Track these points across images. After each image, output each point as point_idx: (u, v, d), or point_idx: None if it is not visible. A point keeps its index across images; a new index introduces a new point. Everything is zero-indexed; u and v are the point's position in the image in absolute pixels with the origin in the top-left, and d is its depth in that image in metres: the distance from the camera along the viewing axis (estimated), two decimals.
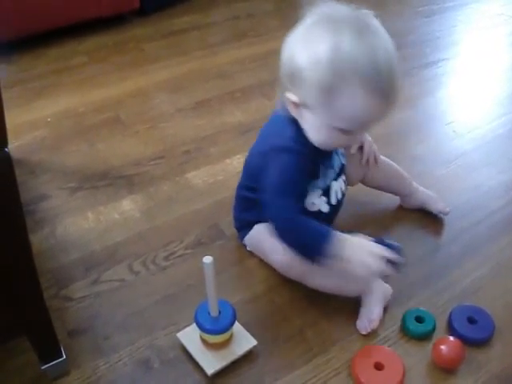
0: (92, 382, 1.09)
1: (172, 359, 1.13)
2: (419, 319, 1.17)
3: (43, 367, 1.06)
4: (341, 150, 1.26)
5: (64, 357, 1.08)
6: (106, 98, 2.02)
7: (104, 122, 1.88)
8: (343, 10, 1.01)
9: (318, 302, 1.22)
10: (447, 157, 1.69)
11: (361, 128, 1.07)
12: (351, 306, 1.21)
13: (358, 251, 1.05)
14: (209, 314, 1.08)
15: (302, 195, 1.16)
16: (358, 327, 1.17)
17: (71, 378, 1.10)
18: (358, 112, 1.00)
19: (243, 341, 1.12)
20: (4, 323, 0.99)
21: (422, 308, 1.20)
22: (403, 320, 1.17)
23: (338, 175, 1.24)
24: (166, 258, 1.35)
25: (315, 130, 1.08)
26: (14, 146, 1.70)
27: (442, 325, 1.18)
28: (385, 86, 0.98)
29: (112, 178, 1.62)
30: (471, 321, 1.16)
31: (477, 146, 1.75)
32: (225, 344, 1.10)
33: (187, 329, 1.15)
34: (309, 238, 1.09)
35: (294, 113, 1.09)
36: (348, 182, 1.33)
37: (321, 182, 1.20)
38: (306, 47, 1.00)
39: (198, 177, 1.60)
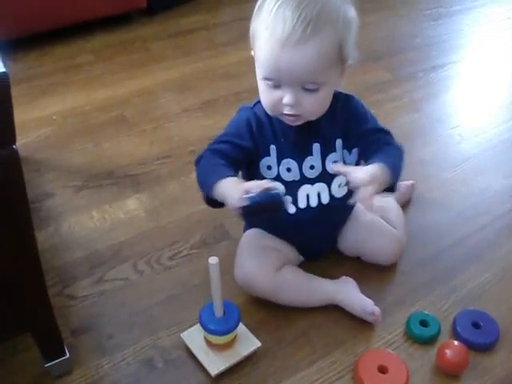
0: (95, 381, 1.09)
1: (175, 359, 1.13)
2: (424, 323, 1.17)
3: (46, 365, 1.07)
4: (334, 159, 1.17)
5: (67, 355, 1.08)
6: (112, 96, 2.02)
7: (110, 121, 1.88)
8: None
9: (316, 307, 1.22)
10: (453, 160, 1.69)
11: (279, 76, 1.03)
12: None
13: (229, 191, 1.01)
14: (213, 314, 1.07)
15: (228, 142, 1.13)
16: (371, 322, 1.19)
17: (74, 377, 1.10)
18: (265, 56, 1.02)
19: (247, 342, 1.12)
20: (8, 320, 0.99)
21: (426, 312, 1.20)
22: (407, 324, 1.17)
23: (317, 180, 1.17)
24: (171, 258, 1.35)
25: (259, 85, 1.10)
26: (19, 144, 1.67)
27: (446, 329, 1.18)
28: (284, 37, 0.98)
29: (117, 177, 1.62)
30: (476, 325, 1.16)
31: (483, 150, 1.74)
32: (229, 345, 1.10)
33: (191, 329, 1.15)
34: (202, 176, 1.11)
35: None
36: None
37: (271, 163, 1.15)
38: (256, 11, 1.05)
39: None
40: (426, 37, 2.48)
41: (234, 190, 0.99)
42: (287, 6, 0.98)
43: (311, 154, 1.16)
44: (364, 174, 1.02)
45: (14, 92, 0.74)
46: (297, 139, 1.15)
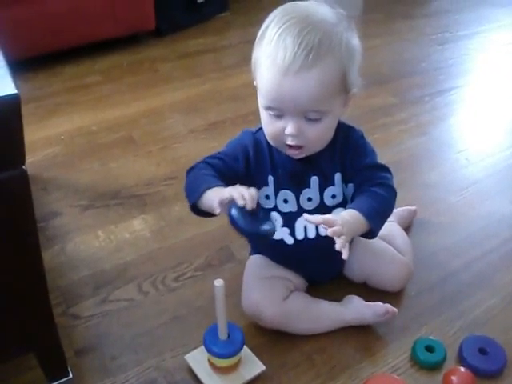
0: None
1: (179, 381, 1.12)
2: (429, 348, 1.15)
3: None
4: (333, 192, 1.15)
5: (71, 376, 1.08)
6: (120, 117, 2.04)
7: (117, 142, 1.89)
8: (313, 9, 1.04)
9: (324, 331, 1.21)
10: (460, 184, 1.68)
11: (281, 106, 1.01)
12: (361, 332, 1.20)
13: (213, 196, 1.00)
14: (218, 337, 1.07)
15: (222, 159, 1.13)
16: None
17: None
18: (267, 84, 1.01)
19: (251, 365, 1.11)
20: (12, 339, 0.99)
21: (432, 337, 1.19)
22: (413, 349, 1.16)
23: (314, 212, 1.10)
24: (176, 279, 1.35)
25: (261, 115, 1.09)
26: (27, 163, 1.70)
27: (452, 355, 1.16)
28: (286, 66, 0.97)
29: (123, 197, 1.63)
30: (482, 352, 1.15)
31: (489, 174, 1.74)
32: (233, 368, 1.09)
33: (195, 351, 1.14)
34: (192, 184, 1.09)
35: None
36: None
37: (269, 193, 1.15)
38: (258, 40, 1.05)
39: None
40: (433, 61, 2.50)
41: (216, 195, 0.98)
42: (288, 34, 0.97)
43: (309, 187, 1.14)
44: (336, 224, 0.98)
45: (23, 111, 0.75)
46: (295, 171, 1.13)
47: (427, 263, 1.39)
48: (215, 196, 0.98)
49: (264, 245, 1.24)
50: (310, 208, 1.15)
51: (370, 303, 1.20)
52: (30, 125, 1.91)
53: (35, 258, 0.87)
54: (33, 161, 1.75)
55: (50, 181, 1.70)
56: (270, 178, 1.14)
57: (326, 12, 1.03)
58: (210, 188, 1.02)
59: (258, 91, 1.07)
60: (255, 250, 1.29)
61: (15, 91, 0.70)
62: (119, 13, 2.44)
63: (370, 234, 1.07)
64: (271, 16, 1.03)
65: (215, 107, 2.10)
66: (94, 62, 2.44)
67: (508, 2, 3.16)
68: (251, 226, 0.95)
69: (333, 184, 1.15)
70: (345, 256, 0.98)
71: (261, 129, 1.12)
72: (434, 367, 1.14)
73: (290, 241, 1.18)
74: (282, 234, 1.18)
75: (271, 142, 1.10)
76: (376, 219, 1.06)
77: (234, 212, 0.95)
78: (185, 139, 1.91)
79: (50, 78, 2.31)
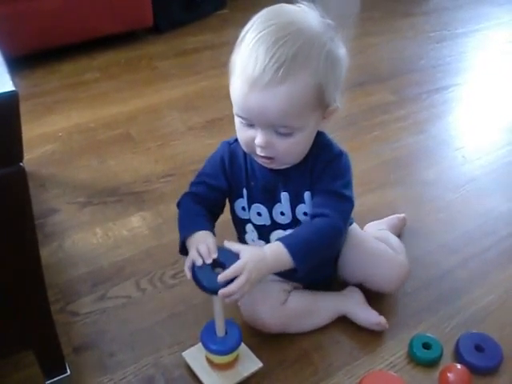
0: None
1: (177, 378, 1.12)
2: (426, 345, 1.16)
3: (47, 382, 1.06)
4: (304, 210, 1.11)
5: (68, 372, 1.08)
6: (118, 114, 2.04)
7: (115, 139, 1.89)
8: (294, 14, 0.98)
9: (324, 325, 1.22)
10: (457, 182, 1.69)
11: (249, 116, 0.97)
12: (358, 329, 1.20)
13: (190, 250, 1.03)
14: (215, 334, 1.07)
15: (204, 183, 1.14)
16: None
17: None
18: (236, 93, 0.97)
19: (249, 362, 1.12)
20: (10, 336, 0.99)
21: (429, 334, 1.19)
22: (410, 346, 1.16)
23: (288, 226, 1.13)
24: (174, 276, 1.35)
25: (235, 120, 1.04)
26: (24, 160, 1.70)
27: (449, 352, 1.17)
28: (254, 78, 0.92)
29: (121, 194, 1.63)
30: (479, 349, 1.15)
31: (486, 172, 1.74)
32: (230, 365, 1.10)
33: (193, 348, 1.14)
34: (179, 224, 1.11)
35: None
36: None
37: (244, 205, 1.14)
38: (238, 43, 1.00)
39: None
40: (431, 59, 2.50)
41: (190, 252, 1.02)
42: (263, 43, 0.91)
43: (280, 202, 1.11)
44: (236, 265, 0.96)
45: (21, 109, 0.75)
46: (265, 185, 1.10)
47: (424, 260, 1.39)
48: (187, 259, 1.02)
49: None
50: (284, 222, 1.13)
51: (367, 308, 1.21)
52: (27, 122, 1.91)
53: (33, 255, 0.87)
54: (31, 158, 1.75)
55: (48, 178, 1.70)
56: (244, 191, 1.12)
57: (311, 20, 0.97)
58: (187, 237, 1.06)
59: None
60: None
61: (13, 88, 0.70)
62: (117, 9, 2.43)
63: (297, 269, 1.01)
64: (254, 18, 0.98)
65: (213, 104, 2.09)
66: (91, 58, 2.44)
67: (506, 0, 3.17)
68: (211, 284, 0.97)
69: (303, 202, 1.10)
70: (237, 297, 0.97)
71: (237, 139, 1.08)
72: (430, 364, 1.14)
73: None
74: (258, 246, 1.15)
75: (244, 149, 1.06)
76: (303, 259, 1.00)
77: (194, 271, 1.00)
78: (183, 136, 1.91)
79: (48, 75, 2.31)
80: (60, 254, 1.42)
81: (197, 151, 1.81)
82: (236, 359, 1.10)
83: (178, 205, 1.16)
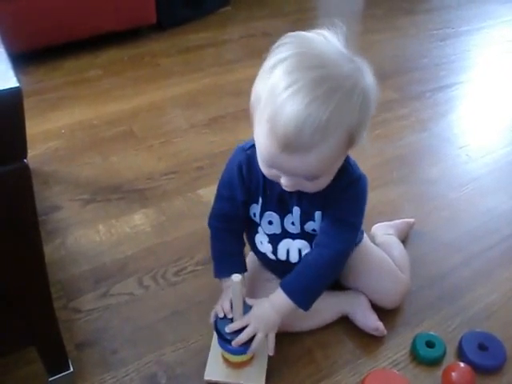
0: None
1: (179, 376, 1.12)
2: (429, 344, 1.16)
3: (50, 379, 1.06)
4: (313, 227, 1.10)
5: (71, 369, 1.08)
6: (121, 111, 2.03)
7: (118, 136, 1.89)
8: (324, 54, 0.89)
9: (327, 323, 1.22)
10: (460, 180, 1.69)
11: (272, 167, 0.94)
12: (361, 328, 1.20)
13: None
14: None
15: (227, 198, 1.13)
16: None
17: None
18: (263, 147, 0.92)
19: (254, 377, 1.10)
20: (13, 333, 0.99)
21: (432, 332, 1.19)
22: (413, 344, 1.16)
23: (298, 237, 1.12)
24: (176, 274, 1.35)
25: (257, 154, 0.99)
26: (28, 156, 1.70)
27: (452, 350, 1.17)
28: (285, 142, 0.86)
29: (124, 191, 1.63)
30: (482, 347, 1.15)
31: (490, 171, 1.74)
32: (239, 365, 1.10)
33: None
34: (213, 257, 1.19)
35: None
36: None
37: (256, 211, 1.12)
38: (265, 74, 0.91)
39: (210, 193, 1.58)
40: (434, 57, 2.49)
41: (219, 302, 1.10)
42: (297, 102, 0.83)
43: (291, 213, 1.09)
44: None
45: (24, 105, 0.74)
46: (280, 195, 1.07)
47: (427, 259, 1.39)
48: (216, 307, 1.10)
49: (254, 251, 1.23)
50: (294, 232, 1.12)
51: (369, 311, 1.20)
52: (30, 119, 1.89)
53: (36, 252, 0.87)
54: (34, 155, 1.75)
55: (51, 175, 1.70)
56: (259, 198, 1.11)
57: (339, 59, 0.89)
58: (221, 278, 1.15)
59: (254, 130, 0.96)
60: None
61: (17, 84, 0.70)
62: (120, 6, 2.43)
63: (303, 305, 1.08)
64: (282, 51, 0.89)
65: (216, 102, 2.09)
66: (95, 55, 2.44)
67: None
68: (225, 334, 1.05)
69: (313, 220, 1.09)
70: (270, 352, 1.07)
71: (253, 146, 1.02)
72: (433, 363, 1.14)
73: (272, 257, 1.17)
74: (265, 249, 1.16)
75: (266, 175, 1.01)
76: (307, 302, 1.08)
77: (216, 322, 1.07)
78: (186, 134, 1.91)
79: (51, 71, 2.31)
80: (63, 251, 1.42)
81: (199, 148, 1.81)
82: (248, 362, 1.10)
83: (209, 226, 1.19)
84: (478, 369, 1.11)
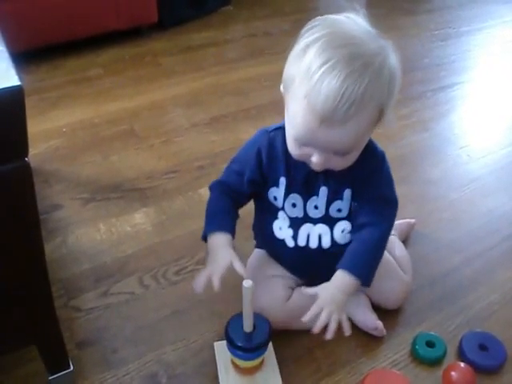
0: None
1: (180, 375, 1.12)
2: (430, 344, 1.16)
3: (50, 378, 1.06)
4: (339, 207, 1.12)
5: (71, 368, 1.08)
6: (122, 110, 2.04)
7: (119, 135, 1.89)
8: (356, 32, 0.97)
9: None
10: (461, 181, 1.69)
11: (312, 145, 0.97)
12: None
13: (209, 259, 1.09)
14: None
15: (237, 173, 1.15)
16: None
17: None
18: (300, 124, 0.95)
19: (271, 377, 1.10)
20: (14, 332, 0.99)
21: (432, 332, 1.19)
22: (413, 344, 1.16)
23: (319, 221, 1.13)
24: (177, 273, 1.35)
25: (286, 134, 1.05)
26: (29, 155, 1.70)
27: (452, 350, 1.17)
28: (323, 116, 0.91)
29: (125, 190, 1.63)
30: (482, 348, 1.15)
31: (491, 171, 1.74)
32: (251, 370, 1.09)
33: (225, 341, 1.10)
34: (206, 213, 1.16)
35: None
36: None
37: (278, 195, 1.13)
38: (297, 56, 0.96)
39: None
40: (435, 57, 2.49)
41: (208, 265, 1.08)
42: (333, 78, 0.88)
43: (317, 195, 1.11)
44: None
45: (25, 104, 0.74)
46: (306, 176, 1.09)
47: (428, 259, 1.39)
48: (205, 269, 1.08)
49: (266, 242, 1.24)
50: (316, 216, 1.13)
51: (368, 311, 1.21)
52: (31, 117, 1.89)
53: (37, 251, 0.87)
54: (34, 153, 1.75)
55: (52, 173, 1.70)
56: (282, 180, 1.11)
57: (366, 38, 0.96)
58: (208, 233, 1.12)
59: (286, 111, 1.01)
60: (258, 245, 1.29)
61: (19, 83, 0.70)
62: (122, 5, 2.43)
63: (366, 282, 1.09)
64: (314, 33, 0.95)
65: (217, 101, 2.09)
66: (96, 54, 2.44)
67: None
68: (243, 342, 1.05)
69: (341, 198, 1.11)
70: (347, 332, 1.06)
71: (277, 129, 1.09)
72: (434, 362, 1.14)
73: (291, 243, 1.16)
74: (285, 234, 1.16)
75: (294, 157, 1.05)
76: (368, 276, 1.09)
77: (228, 330, 1.06)
78: (187, 133, 1.91)
79: (52, 70, 2.31)
80: (63, 249, 1.42)
81: (200, 148, 1.81)
82: (259, 366, 1.10)
83: (210, 189, 1.19)
84: (478, 369, 1.11)
